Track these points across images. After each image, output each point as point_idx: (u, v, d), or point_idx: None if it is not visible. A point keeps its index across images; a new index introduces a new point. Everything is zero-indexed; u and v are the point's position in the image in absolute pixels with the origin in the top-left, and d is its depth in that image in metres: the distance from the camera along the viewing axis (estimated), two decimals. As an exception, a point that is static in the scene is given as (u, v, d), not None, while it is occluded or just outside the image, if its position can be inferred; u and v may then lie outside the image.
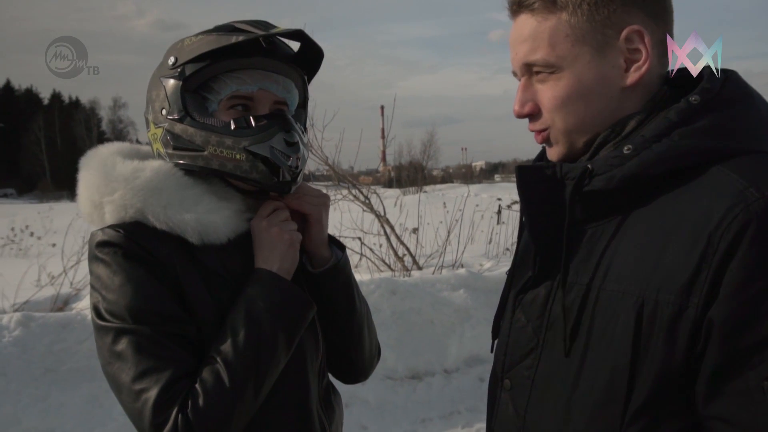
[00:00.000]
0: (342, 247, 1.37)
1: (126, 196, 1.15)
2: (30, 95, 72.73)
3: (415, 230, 6.32)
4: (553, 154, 1.04)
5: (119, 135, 74.31)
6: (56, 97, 73.07)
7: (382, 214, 6.09)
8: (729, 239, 0.80)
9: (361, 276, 5.40)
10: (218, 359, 1.08)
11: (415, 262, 6.06)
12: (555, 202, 0.97)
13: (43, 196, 44.31)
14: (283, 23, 1.23)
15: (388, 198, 7.97)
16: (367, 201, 6.10)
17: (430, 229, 6.71)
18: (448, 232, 6.17)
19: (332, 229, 4.89)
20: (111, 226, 1.14)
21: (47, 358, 3.32)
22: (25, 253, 8.86)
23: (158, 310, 1.09)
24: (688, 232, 0.85)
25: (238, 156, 1.16)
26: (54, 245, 7.21)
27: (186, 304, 1.13)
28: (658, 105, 0.97)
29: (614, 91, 0.97)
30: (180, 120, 1.17)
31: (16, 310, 3.91)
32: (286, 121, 1.20)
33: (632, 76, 0.96)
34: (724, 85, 0.94)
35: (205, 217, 1.16)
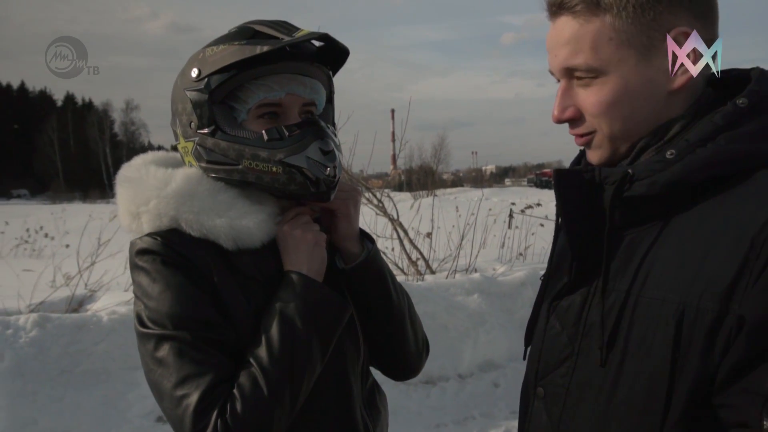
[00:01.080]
0: (372, 240, 1.35)
1: (160, 205, 1.15)
2: (44, 97, 73.37)
3: (428, 234, 6.29)
4: (594, 157, 1.01)
5: (131, 137, 74.84)
6: (69, 98, 73.70)
7: (396, 217, 6.07)
8: None
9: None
10: (254, 364, 1.08)
11: (428, 266, 6.05)
12: (593, 207, 0.95)
13: (55, 197, 44.70)
14: (296, 24, 1.20)
15: (400, 202, 7.95)
16: (380, 205, 6.09)
17: (443, 233, 6.69)
18: (462, 237, 6.15)
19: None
20: (149, 234, 1.15)
21: (63, 359, 3.33)
22: (39, 254, 8.93)
23: (197, 316, 1.09)
24: (732, 237, 0.82)
25: (274, 169, 1.14)
26: (68, 246, 7.26)
27: (224, 309, 1.13)
28: (702, 108, 0.94)
29: (660, 95, 0.94)
30: (211, 134, 1.16)
31: (32, 311, 3.93)
32: (320, 128, 1.18)
33: (679, 80, 0.92)
34: None
35: (237, 222, 1.16)
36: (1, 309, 4.10)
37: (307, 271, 1.17)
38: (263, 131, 1.15)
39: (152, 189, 1.17)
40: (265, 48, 1.11)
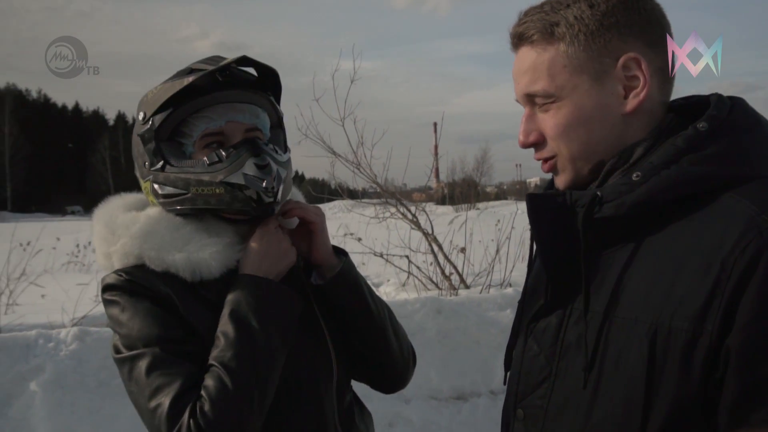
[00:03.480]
0: (345, 253, 1.40)
1: (126, 245, 1.23)
2: (97, 116, 75.96)
3: (462, 249, 6.27)
4: (561, 181, 1.05)
5: (180, 154, 76.41)
6: (121, 117, 76.05)
7: (430, 232, 6.07)
8: (742, 266, 0.80)
9: (407, 294, 5.39)
10: (216, 364, 1.13)
11: (462, 280, 6.02)
12: (566, 229, 0.97)
13: (107, 213, 45.77)
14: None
15: (441, 215, 7.90)
16: (414, 219, 6.10)
17: (481, 247, 6.65)
18: (497, 250, 6.11)
19: (380, 247, 4.88)
20: (114, 272, 1.23)
21: (101, 371, 3.44)
22: (88, 269, 9.23)
23: (165, 334, 1.16)
24: (701, 258, 0.84)
25: (217, 190, 1.20)
26: (114, 261, 7.47)
27: (193, 331, 1.19)
28: (665, 132, 0.96)
29: (615, 118, 0.98)
30: (161, 169, 1.23)
31: (74, 325, 4.07)
32: (254, 145, 1.23)
33: (631, 103, 0.96)
34: (731, 112, 0.93)
35: (195, 255, 1.22)
36: (46, 323, 4.26)
37: (254, 271, 1.22)
38: (204, 158, 1.22)
39: (121, 229, 1.25)
40: (191, 78, 1.18)
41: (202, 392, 1.10)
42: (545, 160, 1.05)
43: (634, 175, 0.92)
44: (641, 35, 0.96)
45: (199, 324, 1.19)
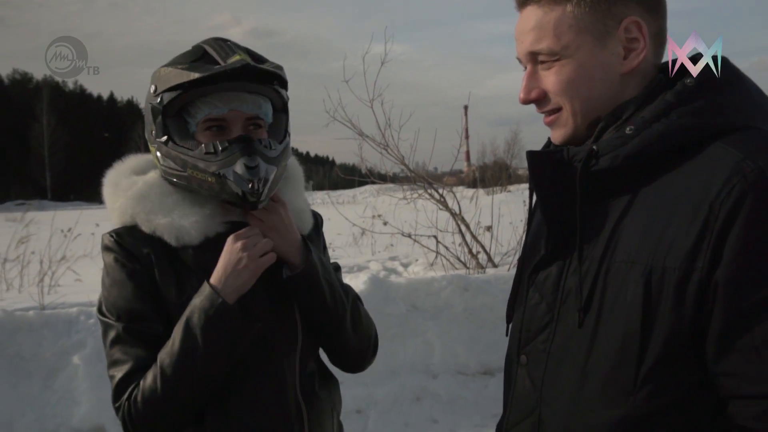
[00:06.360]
0: (310, 251, 1.40)
1: (124, 204, 1.36)
2: (131, 106, 77.07)
3: (488, 228, 6.30)
4: (558, 135, 1.10)
5: (212, 141, 77.11)
6: (154, 106, 77.00)
7: (458, 212, 6.11)
8: (729, 207, 0.87)
9: (435, 272, 5.45)
10: (158, 363, 1.25)
11: (490, 259, 6.06)
12: (565, 183, 1.03)
13: (143, 201, 46.64)
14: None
15: (474, 198, 7.92)
16: (442, 199, 6.15)
17: (511, 228, 6.68)
18: (524, 230, 6.12)
19: (408, 228, 4.93)
20: (110, 232, 1.36)
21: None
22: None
23: (132, 310, 1.29)
24: (691, 203, 0.91)
25: (209, 179, 1.30)
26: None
27: (161, 301, 1.31)
28: (655, 91, 1.02)
29: (614, 77, 1.03)
30: (165, 143, 1.33)
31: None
32: (248, 146, 1.29)
33: (631, 63, 1.02)
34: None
35: (177, 221, 1.33)
36: (87, 301, 4.43)
37: (222, 287, 1.28)
38: (202, 145, 1.30)
39: (122, 191, 1.38)
40: (196, 75, 1.25)
41: (141, 383, 1.25)
42: (548, 114, 1.10)
43: (627, 129, 0.98)
44: (641, 1, 1.02)
45: (167, 293, 1.31)
